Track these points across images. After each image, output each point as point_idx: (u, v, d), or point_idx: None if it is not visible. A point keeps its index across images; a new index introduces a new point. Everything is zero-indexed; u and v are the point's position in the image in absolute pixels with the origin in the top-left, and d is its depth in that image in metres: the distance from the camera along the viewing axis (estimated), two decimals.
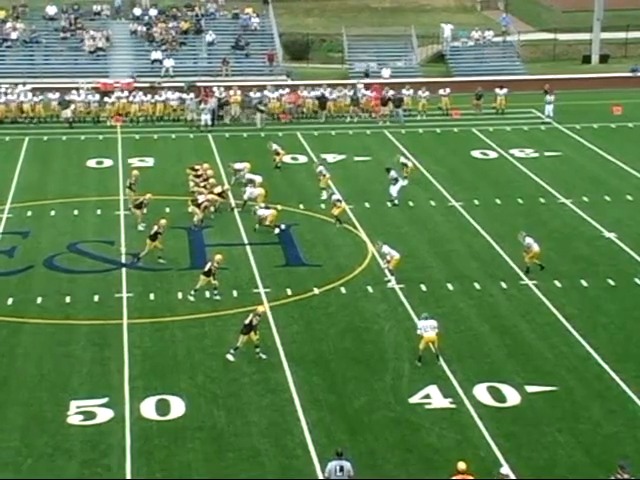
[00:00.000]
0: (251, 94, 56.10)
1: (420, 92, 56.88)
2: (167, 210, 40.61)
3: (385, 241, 35.03)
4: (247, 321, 28.84)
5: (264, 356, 28.86)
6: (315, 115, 56.35)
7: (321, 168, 43.63)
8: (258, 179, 42.18)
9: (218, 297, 32.73)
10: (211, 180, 41.83)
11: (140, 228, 38.49)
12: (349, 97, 56.67)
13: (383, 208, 41.68)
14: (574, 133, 53.80)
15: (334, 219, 39.52)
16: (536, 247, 34.77)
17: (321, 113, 56.27)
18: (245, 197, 40.88)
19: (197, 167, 43.43)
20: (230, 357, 28.79)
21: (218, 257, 33.07)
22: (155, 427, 25.50)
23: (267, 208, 39.21)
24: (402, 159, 45.31)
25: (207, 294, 33.03)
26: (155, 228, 35.61)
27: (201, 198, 39.76)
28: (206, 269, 32.75)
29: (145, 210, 39.13)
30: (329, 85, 57.58)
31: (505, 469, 22.60)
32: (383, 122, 55.72)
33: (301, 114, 56.68)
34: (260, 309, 29.59)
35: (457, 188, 44.20)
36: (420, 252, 37.03)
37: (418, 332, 28.74)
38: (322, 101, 56.23)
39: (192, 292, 32.79)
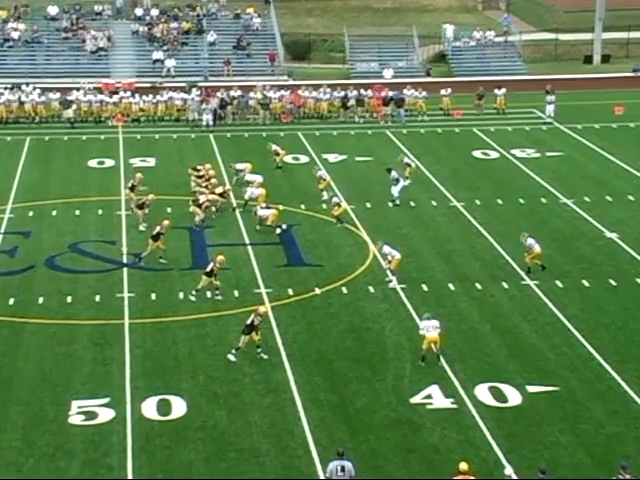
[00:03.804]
0: (251, 94, 56.17)
1: (417, 93, 56.87)
2: (169, 210, 40.60)
3: (386, 241, 35.03)
4: (248, 321, 28.83)
5: (265, 356, 28.86)
6: (330, 116, 56.41)
7: (321, 173, 43.64)
8: (259, 179, 42.20)
9: (220, 297, 32.73)
10: (213, 180, 41.86)
11: (141, 228, 38.50)
12: (355, 98, 56.54)
13: (384, 208, 41.68)
14: (575, 133, 53.79)
15: (335, 219, 39.57)
16: (537, 248, 34.76)
17: (344, 113, 56.21)
18: (246, 197, 40.90)
19: (199, 167, 43.48)
20: (231, 357, 28.79)
21: (220, 258, 33.07)
22: (156, 427, 25.50)
23: (268, 208, 39.22)
24: (405, 159, 45.34)
25: (208, 294, 33.03)
26: (158, 229, 35.62)
27: (202, 198, 39.78)
28: (208, 269, 32.75)
29: (147, 210, 39.13)
30: (329, 86, 57.54)
31: (509, 470, 22.54)
32: (385, 122, 55.72)
33: (302, 114, 56.71)
34: (261, 309, 29.57)
35: (458, 188, 44.20)
36: (421, 252, 37.03)
37: (421, 332, 28.76)
38: (344, 102, 56.15)
39: (193, 292, 32.81)
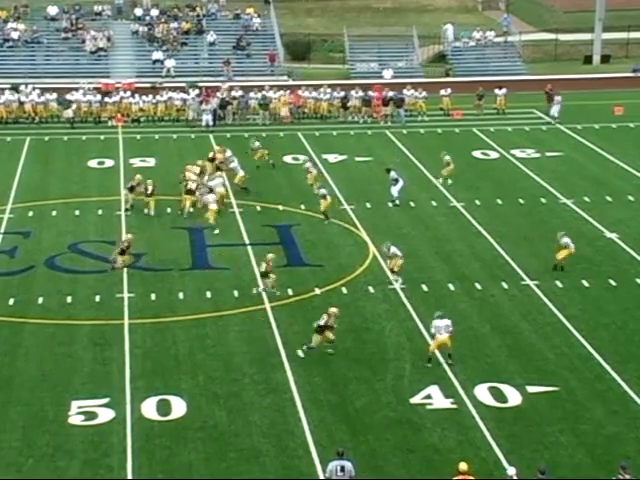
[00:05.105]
0: (251, 94, 56.20)
1: (417, 93, 56.83)
2: (168, 210, 40.65)
3: (385, 241, 35.04)
4: (322, 322, 28.81)
5: (332, 350, 28.89)
6: (330, 116, 56.43)
7: (308, 164, 43.79)
8: (240, 173, 43.00)
9: (257, 291, 32.86)
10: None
11: (152, 213, 39.94)
12: (360, 98, 56.46)
13: (384, 208, 41.67)
14: (575, 133, 53.79)
15: (322, 214, 39.61)
16: (572, 247, 34.76)
17: (344, 113, 56.21)
18: (210, 183, 41.03)
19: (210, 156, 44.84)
20: (300, 353, 28.80)
21: (270, 256, 33.25)
22: (156, 427, 25.50)
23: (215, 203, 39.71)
24: (447, 157, 45.15)
25: (208, 294, 33.06)
26: (125, 244, 35.15)
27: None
28: (262, 270, 32.83)
29: (133, 195, 40.54)
30: (329, 86, 57.50)
31: (511, 470, 22.50)
32: (384, 122, 55.72)
33: (302, 114, 56.71)
34: (332, 310, 29.29)
35: (458, 188, 44.18)
36: (421, 252, 37.02)
37: (432, 331, 28.64)
38: (344, 102, 56.11)
39: (259, 290, 32.83)
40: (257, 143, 47.26)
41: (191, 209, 40.07)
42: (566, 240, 34.95)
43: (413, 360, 28.78)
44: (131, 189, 40.85)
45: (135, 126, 54.87)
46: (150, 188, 40.41)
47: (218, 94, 55.64)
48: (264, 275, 32.96)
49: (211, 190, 40.51)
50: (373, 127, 55.05)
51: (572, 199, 42.73)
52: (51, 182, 45.43)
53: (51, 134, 53.09)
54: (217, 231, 38.78)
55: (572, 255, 35.00)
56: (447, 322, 28.60)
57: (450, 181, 44.33)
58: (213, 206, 39.30)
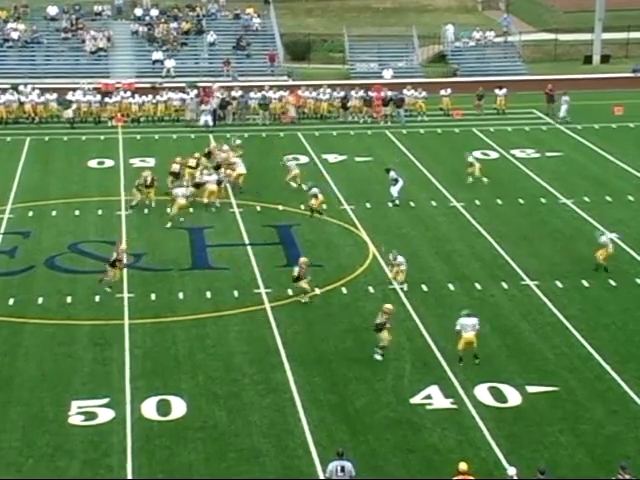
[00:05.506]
0: (251, 94, 56.20)
1: (417, 93, 56.81)
2: (168, 210, 40.61)
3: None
4: (378, 320, 28.86)
5: (380, 357, 28.75)
6: (330, 116, 56.44)
7: (290, 163, 43.94)
8: (241, 170, 42.96)
9: (305, 300, 32.50)
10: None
11: (153, 205, 40.58)
12: (361, 98, 56.45)
13: (384, 208, 41.67)
14: (575, 133, 53.78)
15: (311, 211, 39.83)
16: (611, 248, 34.75)
17: (344, 113, 56.21)
18: (204, 178, 41.07)
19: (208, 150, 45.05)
20: (378, 357, 28.71)
21: (303, 259, 33.09)
22: (156, 427, 25.50)
23: (186, 197, 39.79)
24: (470, 158, 45.10)
25: (208, 294, 33.06)
26: (115, 255, 33.94)
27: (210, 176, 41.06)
28: (295, 275, 32.65)
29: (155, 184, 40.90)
30: (329, 86, 57.49)
31: (511, 470, 22.49)
32: (384, 122, 55.72)
33: (302, 115, 56.70)
34: (387, 307, 29.30)
35: (458, 188, 44.17)
36: (421, 252, 37.02)
37: (457, 328, 28.57)
38: (344, 102, 56.11)
39: (305, 299, 32.57)
40: (238, 141, 47.32)
41: (190, 209, 40.02)
42: (604, 239, 34.94)
43: (413, 360, 28.79)
44: (138, 187, 40.96)
45: (135, 126, 54.89)
46: (149, 179, 40.63)
47: (218, 94, 55.66)
48: (297, 279, 32.74)
49: (198, 186, 40.88)
50: (373, 127, 55.06)
51: (572, 199, 42.73)
52: (51, 182, 45.43)
53: (51, 134, 53.10)
54: (182, 219, 39.20)
55: (610, 255, 35.00)
56: (474, 320, 28.47)
57: (485, 179, 44.09)
58: (182, 200, 39.37)
